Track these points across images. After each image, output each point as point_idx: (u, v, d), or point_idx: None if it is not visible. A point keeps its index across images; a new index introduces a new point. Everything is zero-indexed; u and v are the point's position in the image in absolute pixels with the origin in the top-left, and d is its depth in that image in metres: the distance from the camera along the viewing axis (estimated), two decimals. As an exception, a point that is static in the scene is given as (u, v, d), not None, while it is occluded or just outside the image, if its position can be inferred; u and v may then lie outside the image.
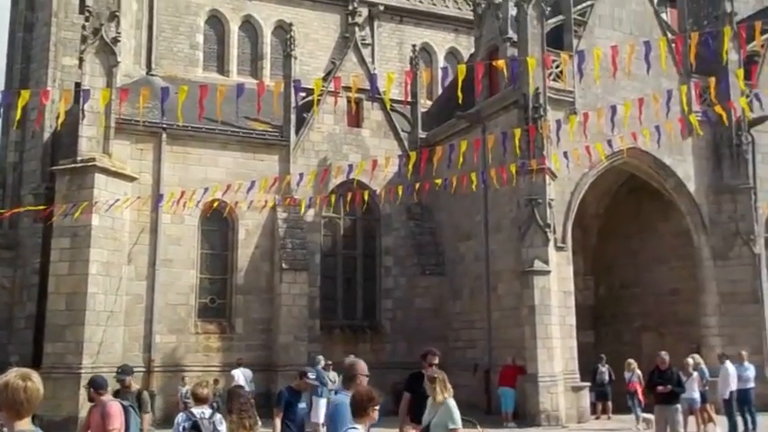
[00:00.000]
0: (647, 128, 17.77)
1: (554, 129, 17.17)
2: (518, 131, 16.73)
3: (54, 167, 19.20)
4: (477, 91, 17.61)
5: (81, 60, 19.26)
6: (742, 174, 20.28)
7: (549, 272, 17.37)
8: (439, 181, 18.45)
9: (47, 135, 21.27)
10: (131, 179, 19.09)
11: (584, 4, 19.79)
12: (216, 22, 25.76)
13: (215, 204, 19.71)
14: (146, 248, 19.16)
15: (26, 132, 21.53)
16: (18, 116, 15.43)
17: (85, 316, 17.41)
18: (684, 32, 20.55)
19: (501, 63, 15.71)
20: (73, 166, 18.28)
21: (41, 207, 18.37)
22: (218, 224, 20.50)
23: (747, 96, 19.72)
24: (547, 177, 17.60)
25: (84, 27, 19.52)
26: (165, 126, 19.32)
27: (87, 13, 19.74)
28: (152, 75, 23.50)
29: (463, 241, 20.84)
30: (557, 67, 18.75)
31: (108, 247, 18.24)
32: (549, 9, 19.17)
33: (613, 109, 16.67)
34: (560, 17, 19.53)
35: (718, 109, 17.03)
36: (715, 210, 20.39)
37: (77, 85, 20.20)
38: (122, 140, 19.23)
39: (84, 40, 19.36)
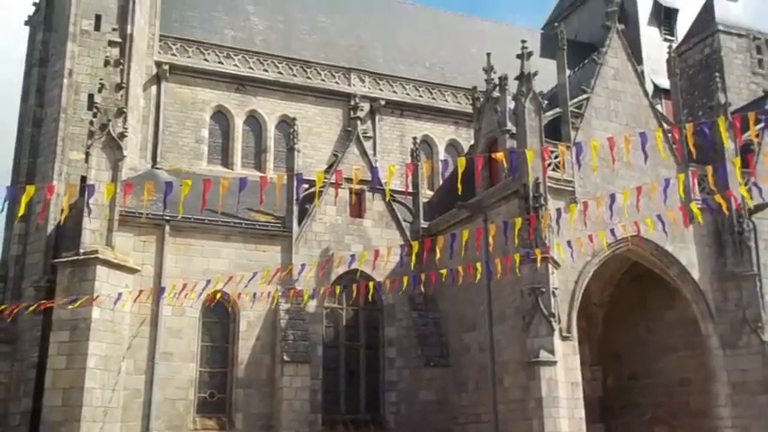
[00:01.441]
0: (649, 216, 17.88)
1: (555, 218, 17.29)
2: (519, 221, 16.82)
3: (56, 260, 19.21)
4: (477, 182, 17.82)
5: (87, 155, 19.58)
6: (746, 261, 20.24)
7: (555, 362, 17.05)
8: (444, 271, 18.40)
9: (50, 228, 21.36)
10: (133, 271, 19.07)
11: (580, 98, 20.26)
12: (221, 117, 26.37)
13: (217, 296, 19.60)
14: (145, 341, 18.91)
15: (30, 225, 21.65)
16: (22, 211, 15.55)
17: (82, 412, 16.96)
18: (680, 123, 20.99)
19: (500, 155, 15.99)
20: (75, 258, 18.29)
21: (42, 301, 18.23)
22: (219, 316, 20.30)
23: (746, 184, 19.94)
24: (550, 266, 17.55)
25: (91, 123, 19.96)
26: (168, 218, 19.45)
27: (96, 110, 20.23)
28: (157, 168, 23.89)
29: (468, 331, 20.57)
30: (555, 157, 19.04)
31: (107, 340, 18.01)
32: (546, 102, 19.63)
33: (613, 197, 16.81)
34: (557, 110, 19.97)
35: (717, 197, 17.18)
36: (721, 297, 20.23)
37: (83, 178, 20.48)
38: (125, 233, 19.31)
39: (91, 135, 19.76)
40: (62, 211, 16.28)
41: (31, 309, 17.97)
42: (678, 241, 20.16)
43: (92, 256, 18.16)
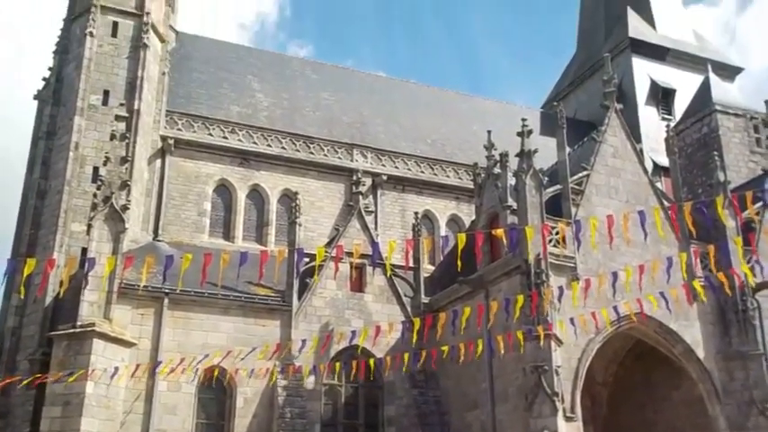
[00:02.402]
0: (652, 293, 17.73)
1: (557, 294, 17.14)
2: (521, 297, 16.68)
3: (52, 332, 18.98)
4: (478, 258, 17.75)
5: (89, 227, 19.63)
6: (751, 340, 19.95)
7: (559, 444, 16.57)
8: (445, 348, 18.13)
9: (49, 300, 21.22)
10: (130, 345, 18.81)
11: (580, 174, 20.42)
12: (224, 190, 26.56)
13: (214, 371, 19.27)
14: (139, 418, 18.47)
15: (28, 297, 21.45)
16: (22, 284, 15.45)
17: (72, 491, 16.43)
18: (679, 201, 21.08)
19: (500, 232, 16.00)
20: (71, 331, 18.08)
21: (37, 375, 17.90)
22: (215, 392, 19.89)
23: (749, 262, 19.85)
24: (553, 343, 17.29)
25: (95, 195, 20.10)
26: (167, 291, 19.33)
27: (100, 182, 20.42)
28: (159, 240, 23.89)
29: (470, 410, 20.09)
30: (556, 234, 19.05)
31: (100, 416, 17.59)
32: (546, 179, 19.78)
33: (615, 275, 16.70)
34: (558, 186, 20.10)
35: (720, 276, 17.08)
36: (727, 377, 19.84)
37: (84, 250, 20.48)
38: (124, 305, 19.16)
39: (94, 207, 19.87)
40: (61, 283, 16.20)
41: (25, 382, 17.64)
42: (682, 319, 19.92)
43: (88, 329, 17.95)
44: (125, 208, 19.90)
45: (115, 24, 24.92)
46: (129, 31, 24.97)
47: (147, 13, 25.22)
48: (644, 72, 35.22)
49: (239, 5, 78.39)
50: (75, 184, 22.64)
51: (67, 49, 25.13)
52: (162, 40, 26.43)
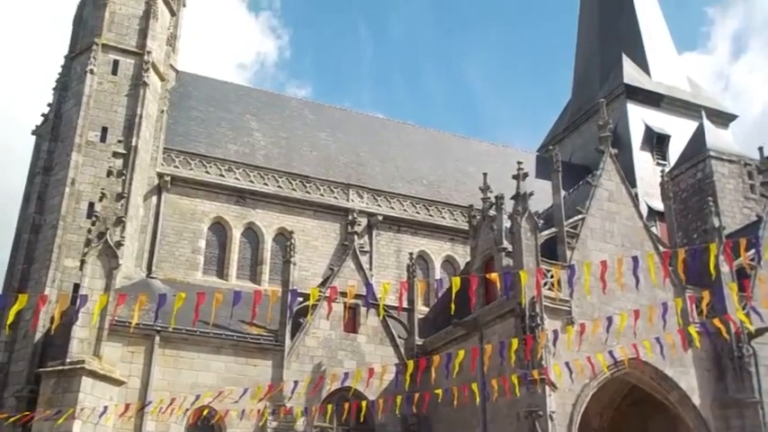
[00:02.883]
0: (647, 338, 17.62)
1: (551, 338, 17.02)
2: (515, 341, 16.55)
3: (41, 369, 18.73)
4: (472, 302, 17.67)
5: (83, 262, 19.53)
6: (747, 387, 19.78)
7: (553, 492, 16.27)
8: (439, 391, 17.92)
9: (38, 336, 20.98)
10: (119, 383, 18.55)
11: (575, 218, 20.46)
12: (219, 228, 26.52)
13: (204, 412, 18.99)
14: (126, 458, 18.11)
15: (18, 333, 21.27)
16: (11, 319, 15.29)
17: None
18: (674, 246, 21.09)
19: (494, 276, 15.94)
20: (60, 368, 17.85)
21: (26, 413, 17.59)
22: (204, 433, 19.57)
23: (744, 309, 19.77)
24: (547, 388, 17.10)
25: (89, 231, 20.04)
26: (158, 328, 19.15)
27: (95, 218, 20.37)
28: (152, 277, 23.76)
29: (462, 456, 19.76)
30: (551, 277, 18.99)
31: (87, 456, 17.25)
32: (542, 222, 19.82)
33: (610, 320, 16.61)
34: (553, 229, 20.12)
35: (716, 322, 17.00)
36: (723, 425, 19.61)
37: (76, 286, 20.33)
38: (114, 342, 18.96)
39: (88, 243, 19.79)
40: (52, 319, 16.03)
41: (12, 420, 17.32)
42: (678, 365, 19.77)
43: (78, 366, 17.73)
44: (119, 244, 19.84)
45: (116, 63, 25.16)
46: (130, 69, 25.19)
47: (149, 52, 25.48)
48: (639, 118, 35.59)
49: (239, 46, 79.50)
50: (69, 219, 22.59)
51: (67, 86, 25.31)
52: (162, 79, 26.67)
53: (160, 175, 25.50)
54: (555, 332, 17.33)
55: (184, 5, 31.38)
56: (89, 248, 19.48)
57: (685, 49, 75.42)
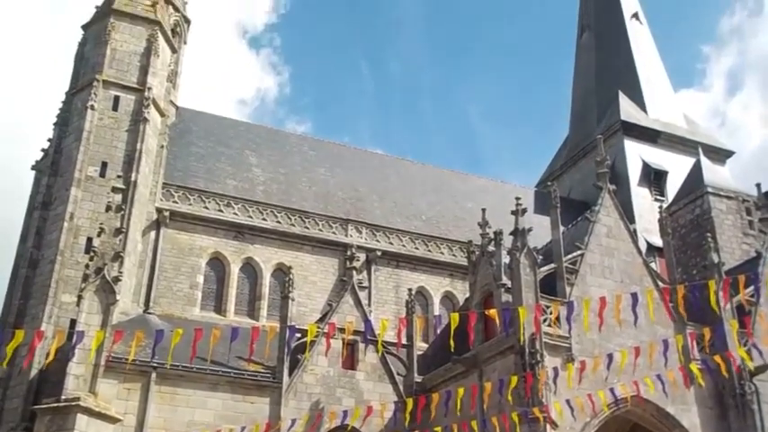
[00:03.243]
0: (648, 375, 17.47)
1: (552, 375, 16.86)
2: (515, 378, 16.40)
3: (36, 406, 18.51)
4: (471, 337, 17.54)
5: (80, 298, 19.43)
6: (749, 425, 19.54)
7: None
8: (438, 429, 17.69)
9: (34, 372, 20.77)
10: (115, 420, 18.31)
11: (574, 254, 20.44)
12: (217, 263, 26.45)
13: (199, 450, 18.70)
14: (120, 498, 17.79)
15: (13, 369, 21.05)
16: (8, 356, 15.16)
17: None
18: (673, 282, 21.03)
19: (493, 312, 15.86)
20: (56, 405, 17.65)
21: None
22: (200, 471, 19.25)
23: (745, 345, 19.65)
24: (548, 427, 16.89)
25: (87, 266, 19.98)
26: (155, 365, 18.96)
27: (93, 253, 20.32)
28: (149, 313, 23.62)
29: (462, 496, 19.42)
30: (550, 313, 18.90)
31: (80, 495, 16.95)
32: (540, 257, 19.78)
33: (610, 356, 16.48)
34: (552, 265, 20.08)
35: (717, 359, 16.87)
36: (728, 466, 19.33)
37: (73, 322, 20.20)
38: (110, 379, 18.76)
39: (85, 278, 19.72)
40: (48, 355, 15.88)
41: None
42: (679, 403, 19.57)
43: (73, 403, 17.53)
44: (117, 279, 19.76)
45: (116, 99, 25.35)
46: (130, 105, 25.38)
47: (149, 89, 25.70)
48: (636, 154, 35.79)
49: (240, 82, 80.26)
50: (67, 254, 22.54)
51: (68, 121, 25.46)
52: (162, 115, 26.85)
53: (159, 210, 25.51)
54: (555, 369, 17.18)
55: (185, 43, 31.75)
56: (86, 284, 19.40)
57: (681, 86, 76.51)
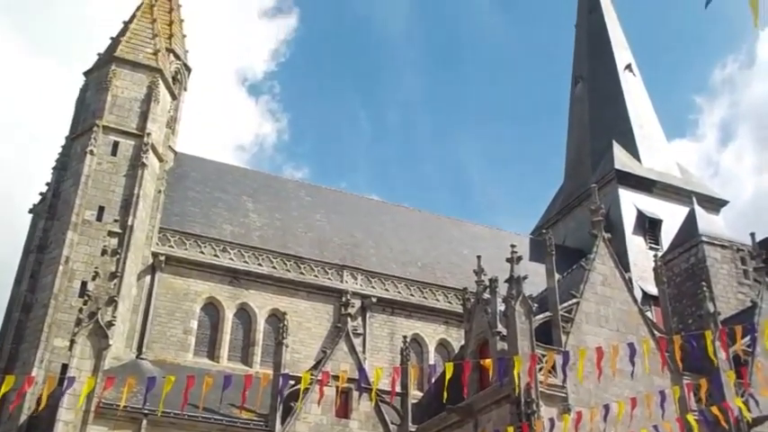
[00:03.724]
0: (645, 427, 17.26)
1: (548, 426, 16.67)
2: (511, 429, 16.21)
3: (23, 454, 18.20)
4: (465, 386, 17.38)
5: (72, 342, 19.30)
6: (748, 478, 19.26)
7: None
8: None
9: (23, 417, 20.47)
10: (103, 469, 18.01)
11: (570, 302, 20.41)
12: (212, 308, 26.32)
13: (189, 500, 18.34)
14: None
15: (2, 414, 20.76)
16: (-3, 400, 15.02)
17: None
18: (670, 332, 20.96)
19: (488, 362, 15.76)
20: (43, 453, 17.36)
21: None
22: None
23: (742, 396, 19.49)
24: (544, 480, 16.64)
25: (81, 310, 19.89)
26: (146, 412, 18.72)
27: (87, 297, 20.25)
28: (142, 358, 23.40)
29: None
30: (546, 362, 18.76)
31: None
32: (536, 305, 19.74)
33: (607, 407, 16.33)
34: (547, 313, 20.02)
35: (714, 410, 16.73)
36: None
37: (65, 367, 20.00)
38: (100, 426, 18.54)
39: (78, 322, 19.61)
40: (39, 400, 15.70)
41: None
42: (677, 455, 19.29)
43: (61, 451, 17.23)
44: (110, 324, 19.65)
45: (116, 144, 25.56)
46: (129, 150, 25.57)
47: (148, 134, 25.93)
48: (630, 202, 36.02)
49: (239, 128, 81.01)
50: (61, 298, 22.42)
51: (66, 165, 25.61)
52: (160, 160, 27.03)
53: (155, 255, 25.49)
54: (551, 420, 17.00)
55: (185, 89, 32.17)
56: (79, 328, 19.29)
57: (675, 136, 77.36)
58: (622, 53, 42.75)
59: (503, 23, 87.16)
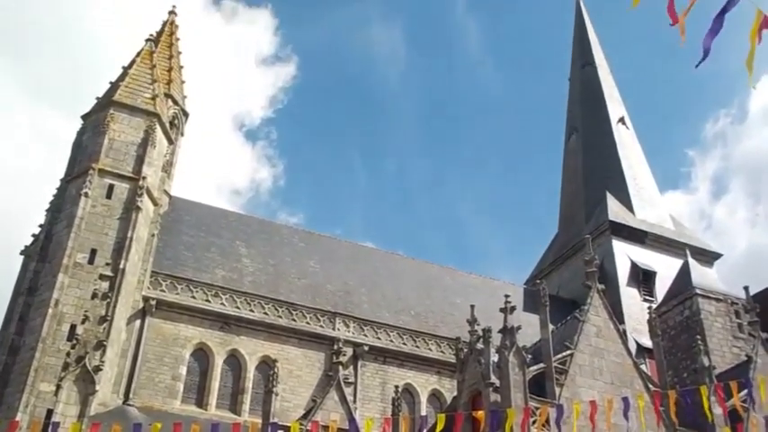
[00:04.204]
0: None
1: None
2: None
3: (3, 503, 17.72)
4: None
5: (58, 387, 18.98)
6: None
7: None
8: None
9: (5, 464, 20.00)
10: None
11: (564, 354, 20.21)
12: (201, 354, 25.98)
13: None
14: None
15: (-17, 461, 20.28)
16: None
17: None
18: (664, 386, 20.74)
19: (481, 414, 15.53)
20: (23, 501, 16.88)
21: None
22: None
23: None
24: None
25: (68, 354, 19.60)
26: (131, 461, 18.26)
27: (75, 341, 19.98)
28: (129, 404, 22.98)
29: None
30: (539, 415, 18.48)
31: None
32: (530, 356, 19.54)
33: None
34: (541, 365, 19.80)
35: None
36: None
37: (50, 412, 19.61)
38: (83, 475, 18.01)
39: (66, 366, 19.32)
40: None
41: None
42: None
43: (41, 500, 16.76)
44: (98, 369, 19.37)
45: (111, 187, 25.55)
46: (124, 193, 25.56)
47: (144, 178, 25.96)
48: (624, 254, 36.05)
49: (235, 173, 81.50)
50: (49, 341, 22.10)
51: (60, 207, 25.56)
52: (155, 204, 27.02)
53: (146, 299, 25.27)
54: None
55: (182, 134, 32.38)
56: (66, 373, 19.00)
57: (668, 188, 78.16)
58: (616, 106, 43.37)
59: (498, 75, 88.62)
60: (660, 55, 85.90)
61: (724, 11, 7.58)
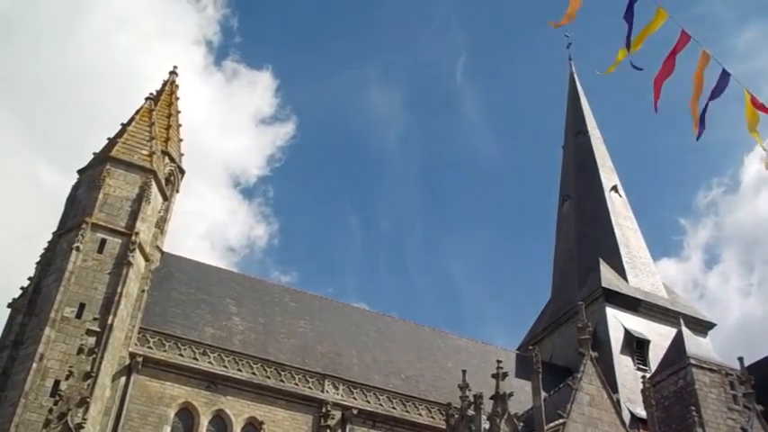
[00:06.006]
0: None
1: None
2: None
3: None
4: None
5: (38, 446, 18.46)
6: None
7: None
8: None
9: None
10: None
11: (556, 422, 19.92)
12: (186, 414, 25.39)
13: None
14: None
15: None
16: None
17: None
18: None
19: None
20: None
21: None
22: None
23: None
24: None
25: (51, 410, 19.15)
26: None
27: (58, 397, 19.55)
28: (109, 466, 22.34)
29: None
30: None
31: None
32: (521, 424, 19.24)
33: None
34: (534, 434, 19.47)
35: None
36: None
37: (26, 471, 19.06)
38: None
39: (47, 423, 18.89)
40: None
41: None
42: None
43: None
44: (80, 427, 18.94)
45: (103, 241, 25.44)
46: (116, 248, 25.43)
47: (137, 233, 25.89)
48: (617, 321, 35.83)
49: (230, 230, 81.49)
50: (32, 396, 21.60)
51: (51, 261, 25.36)
52: (147, 259, 26.88)
53: (132, 356, 24.84)
54: None
55: (178, 191, 32.48)
56: (48, 430, 18.57)
57: (661, 255, 78.09)
58: (609, 174, 43.82)
59: (493, 141, 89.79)
60: (653, 124, 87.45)
61: (719, 91, 7.80)
